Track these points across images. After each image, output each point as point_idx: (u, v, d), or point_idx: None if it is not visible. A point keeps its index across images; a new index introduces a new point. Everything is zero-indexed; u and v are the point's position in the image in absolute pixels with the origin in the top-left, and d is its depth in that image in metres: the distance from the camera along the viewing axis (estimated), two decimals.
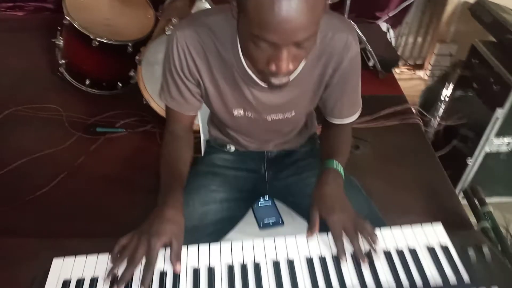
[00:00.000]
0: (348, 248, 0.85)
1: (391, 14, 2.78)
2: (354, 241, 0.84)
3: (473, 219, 1.75)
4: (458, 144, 2.18)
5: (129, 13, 2.14)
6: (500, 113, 1.90)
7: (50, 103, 2.19)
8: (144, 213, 0.89)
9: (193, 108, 1.03)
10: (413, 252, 0.84)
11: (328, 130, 1.12)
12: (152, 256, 0.80)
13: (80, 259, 0.85)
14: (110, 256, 0.83)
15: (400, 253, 0.84)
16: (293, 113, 1.03)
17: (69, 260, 0.85)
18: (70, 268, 0.84)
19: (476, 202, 1.78)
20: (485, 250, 0.83)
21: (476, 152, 2.04)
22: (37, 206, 1.74)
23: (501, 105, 1.87)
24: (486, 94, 2.01)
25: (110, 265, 0.82)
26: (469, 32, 2.40)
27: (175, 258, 0.82)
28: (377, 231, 0.88)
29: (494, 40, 2.09)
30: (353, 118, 1.09)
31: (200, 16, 0.94)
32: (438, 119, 2.27)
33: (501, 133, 1.96)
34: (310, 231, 0.88)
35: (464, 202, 1.94)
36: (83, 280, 0.81)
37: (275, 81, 0.81)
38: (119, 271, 0.80)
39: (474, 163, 2.08)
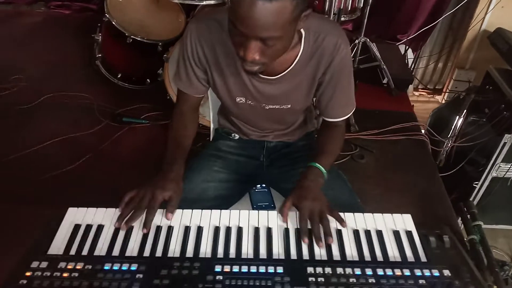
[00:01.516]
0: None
1: (411, 37, 2.88)
2: (313, 225, 0.94)
3: (464, 234, 1.80)
4: (466, 167, 2.22)
5: (162, 16, 2.35)
6: (508, 139, 1.94)
7: (84, 92, 2.42)
8: None
9: (198, 91, 1.17)
10: (379, 233, 0.94)
11: (323, 129, 1.24)
12: (155, 203, 0.96)
13: (91, 209, 1.00)
14: (119, 204, 0.98)
15: (367, 232, 0.94)
16: (289, 106, 1.15)
17: (82, 209, 1.00)
18: (82, 216, 0.98)
19: (468, 216, 1.83)
20: (445, 238, 0.92)
21: (483, 176, 2.08)
22: (59, 182, 1.92)
23: (509, 131, 1.92)
24: (496, 120, 2.05)
25: (119, 212, 0.97)
26: (488, 60, 2.46)
27: (171, 208, 0.97)
28: (350, 214, 0.99)
29: (509, 68, 2.15)
30: (345, 117, 1.19)
31: (213, 13, 1.09)
32: (450, 141, 2.33)
33: (509, 159, 1.99)
34: (280, 213, 0.99)
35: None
36: (92, 226, 0.96)
37: (245, 66, 0.95)
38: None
39: (480, 187, 2.11)
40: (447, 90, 3.05)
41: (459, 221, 1.97)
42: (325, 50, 1.04)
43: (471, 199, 2.13)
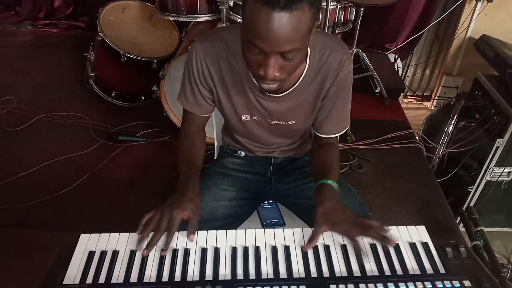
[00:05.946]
0: (337, 238, 0.97)
1: (399, 46, 2.94)
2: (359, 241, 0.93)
3: (468, 239, 1.83)
4: (460, 172, 2.26)
5: (156, 33, 2.35)
6: (500, 143, 1.99)
7: (77, 111, 2.40)
8: None
9: (204, 111, 1.17)
10: (396, 246, 0.95)
11: (318, 148, 1.21)
12: (173, 224, 0.95)
13: (104, 235, 0.98)
14: (137, 227, 0.96)
15: (384, 246, 0.95)
16: (294, 122, 1.16)
17: (95, 235, 0.98)
18: (95, 242, 0.96)
19: (470, 222, 1.86)
20: (462, 249, 0.93)
21: (477, 180, 2.12)
22: (58, 203, 1.89)
23: (501, 135, 1.96)
24: (487, 125, 2.09)
25: (134, 236, 0.95)
26: (474, 66, 2.53)
27: (192, 229, 0.96)
28: None
29: (496, 73, 2.20)
30: (338, 134, 1.20)
31: (217, 31, 1.10)
32: (442, 147, 2.37)
33: (501, 163, 2.04)
34: (309, 244, 0.94)
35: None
36: (106, 252, 0.94)
37: (264, 85, 0.94)
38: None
39: (475, 191, 2.15)
40: (436, 97, 3.11)
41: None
42: (331, 66, 1.05)
43: (466, 203, 2.17)
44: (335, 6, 2.07)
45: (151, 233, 0.95)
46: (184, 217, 0.97)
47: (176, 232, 0.97)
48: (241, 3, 0.91)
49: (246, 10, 0.84)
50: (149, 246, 0.92)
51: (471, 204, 2.16)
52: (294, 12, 0.79)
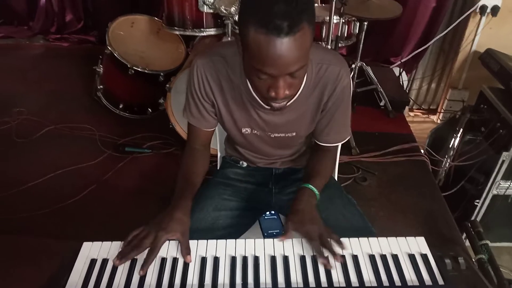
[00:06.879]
0: (336, 249, 0.97)
1: (404, 60, 2.96)
2: (314, 246, 0.97)
3: (472, 253, 1.81)
4: (466, 185, 2.25)
5: (163, 47, 2.40)
6: (506, 156, 1.98)
7: (85, 123, 2.44)
8: None
9: (209, 125, 1.19)
10: (395, 257, 0.95)
11: (315, 151, 1.25)
12: (156, 246, 0.96)
13: (106, 243, 1.00)
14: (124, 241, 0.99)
15: (383, 257, 0.95)
16: (294, 134, 1.18)
17: (97, 244, 1.00)
18: (97, 250, 0.98)
19: (475, 235, 1.84)
20: (461, 260, 0.93)
21: (484, 194, 2.10)
22: (65, 213, 1.92)
23: (506, 148, 1.95)
24: (493, 138, 2.08)
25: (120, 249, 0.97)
26: (479, 79, 2.54)
27: (185, 251, 0.96)
28: (365, 239, 1.00)
29: (501, 87, 2.20)
30: (337, 144, 1.22)
31: (216, 47, 1.12)
32: (448, 160, 2.36)
33: (508, 176, 2.02)
34: (283, 237, 1.00)
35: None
36: (108, 260, 0.96)
37: (275, 105, 0.98)
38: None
39: (481, 205, 2.13)
40: (442, 110, 3.11)
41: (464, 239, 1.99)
42: (329, 80, 1.08)
43: (473, 217, 2.14)
44: (339, 20, 2.10)
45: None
46: (169, 238, 0.97)
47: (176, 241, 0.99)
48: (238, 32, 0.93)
49: (248, 39, 0.85)
50: (122, 258, 0.93)
51: (478, 218, 2.14)
52: (297, 35, 0.82)
